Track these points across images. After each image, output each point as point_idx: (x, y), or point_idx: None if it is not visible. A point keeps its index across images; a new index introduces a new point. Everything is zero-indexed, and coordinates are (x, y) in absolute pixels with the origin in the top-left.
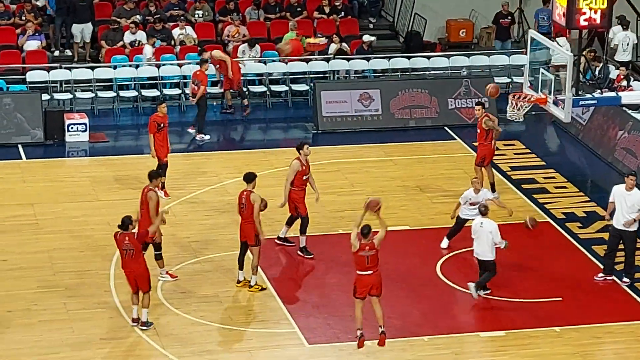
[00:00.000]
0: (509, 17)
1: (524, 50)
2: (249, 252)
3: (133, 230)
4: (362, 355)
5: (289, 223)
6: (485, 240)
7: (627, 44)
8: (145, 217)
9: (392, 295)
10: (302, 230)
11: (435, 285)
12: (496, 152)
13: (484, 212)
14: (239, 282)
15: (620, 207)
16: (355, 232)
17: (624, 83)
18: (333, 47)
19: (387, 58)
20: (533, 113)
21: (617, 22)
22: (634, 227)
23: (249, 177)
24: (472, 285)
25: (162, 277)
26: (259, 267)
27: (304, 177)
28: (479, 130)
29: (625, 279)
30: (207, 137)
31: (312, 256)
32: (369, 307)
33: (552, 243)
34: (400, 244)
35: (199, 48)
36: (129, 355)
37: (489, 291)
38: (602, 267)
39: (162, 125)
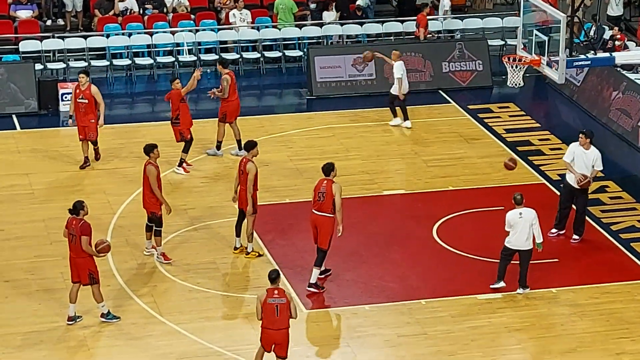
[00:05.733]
0: None
1: (517, 12)
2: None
3: (85, 217)
4: (360, 320)
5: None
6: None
7: None
8: (146, 192)
9: (389, 259)
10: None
11: (432, 248)
12: (491, 115)
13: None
14: (235, 248)
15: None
16: None
17: (619, 43)
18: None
19: (381, 22)
20: (527, 75)
21: None
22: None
23: (248, 145)
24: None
25: (157, 258)
26: (254, 234)
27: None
28: (220, 86)
29: (575, 237)
30: None
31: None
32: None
33: (548, 204)
34: (396, 208)
35: (192, 16)
36: (127, 323)
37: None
38: (598, 228)
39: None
